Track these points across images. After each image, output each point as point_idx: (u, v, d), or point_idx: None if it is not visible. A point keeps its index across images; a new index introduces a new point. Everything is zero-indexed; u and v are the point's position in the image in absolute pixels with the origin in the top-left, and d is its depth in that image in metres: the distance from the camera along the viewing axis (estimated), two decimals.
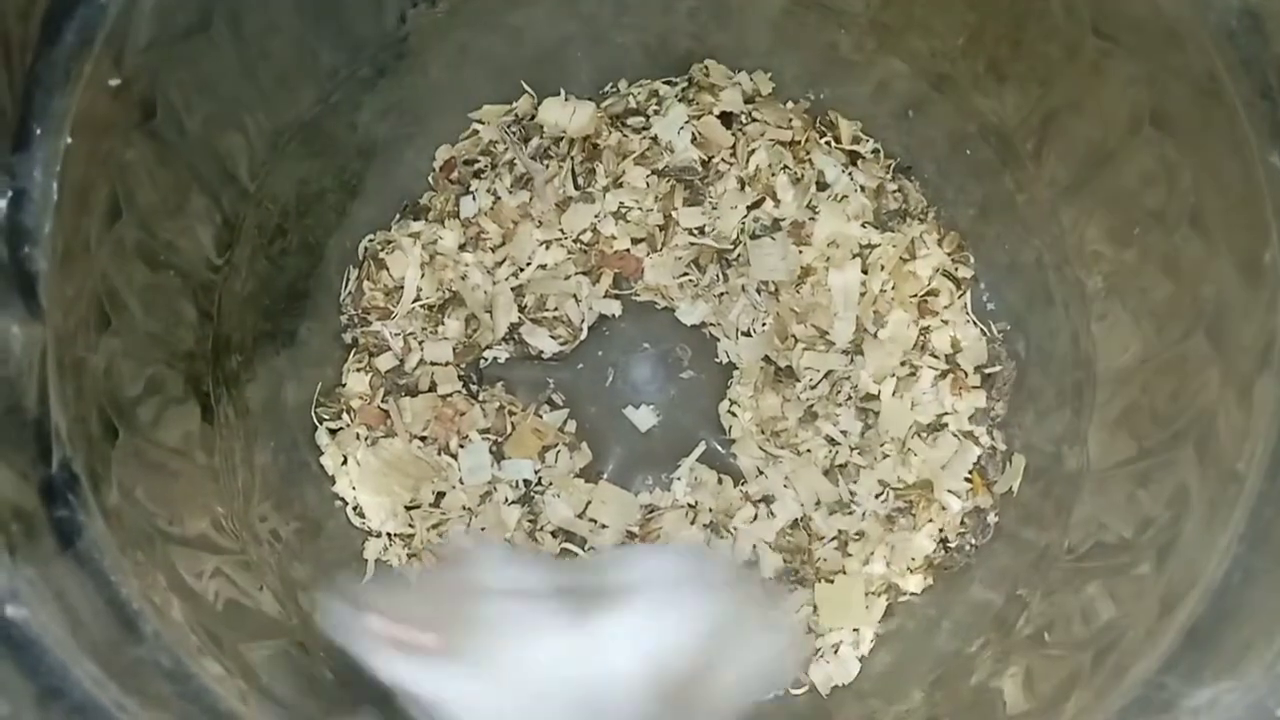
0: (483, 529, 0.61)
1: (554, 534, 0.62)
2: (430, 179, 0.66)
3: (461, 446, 0.63)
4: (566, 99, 0.66)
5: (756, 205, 0.65)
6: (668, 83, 0.67)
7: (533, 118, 0.66)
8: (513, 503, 0.62)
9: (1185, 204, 0.46)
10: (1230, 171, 0.43)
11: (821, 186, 0.66)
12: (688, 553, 0.48)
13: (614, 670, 0.43)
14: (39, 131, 0.38)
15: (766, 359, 0.63)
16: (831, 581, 0.60)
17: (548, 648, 0.43)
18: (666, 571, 0.46)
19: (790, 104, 0.67)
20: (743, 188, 0.66)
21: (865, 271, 0.64)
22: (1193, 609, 0.40)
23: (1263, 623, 0.38)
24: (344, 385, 0.63)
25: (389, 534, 0.62)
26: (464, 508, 0.62)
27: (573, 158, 0.66)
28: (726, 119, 0.66)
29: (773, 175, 0.65)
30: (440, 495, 0.62)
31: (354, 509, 0.62)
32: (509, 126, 0.66)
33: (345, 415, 0.63)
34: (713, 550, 0.59)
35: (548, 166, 0.66)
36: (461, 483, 0.62)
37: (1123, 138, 0.49)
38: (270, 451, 0.58)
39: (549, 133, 0.66)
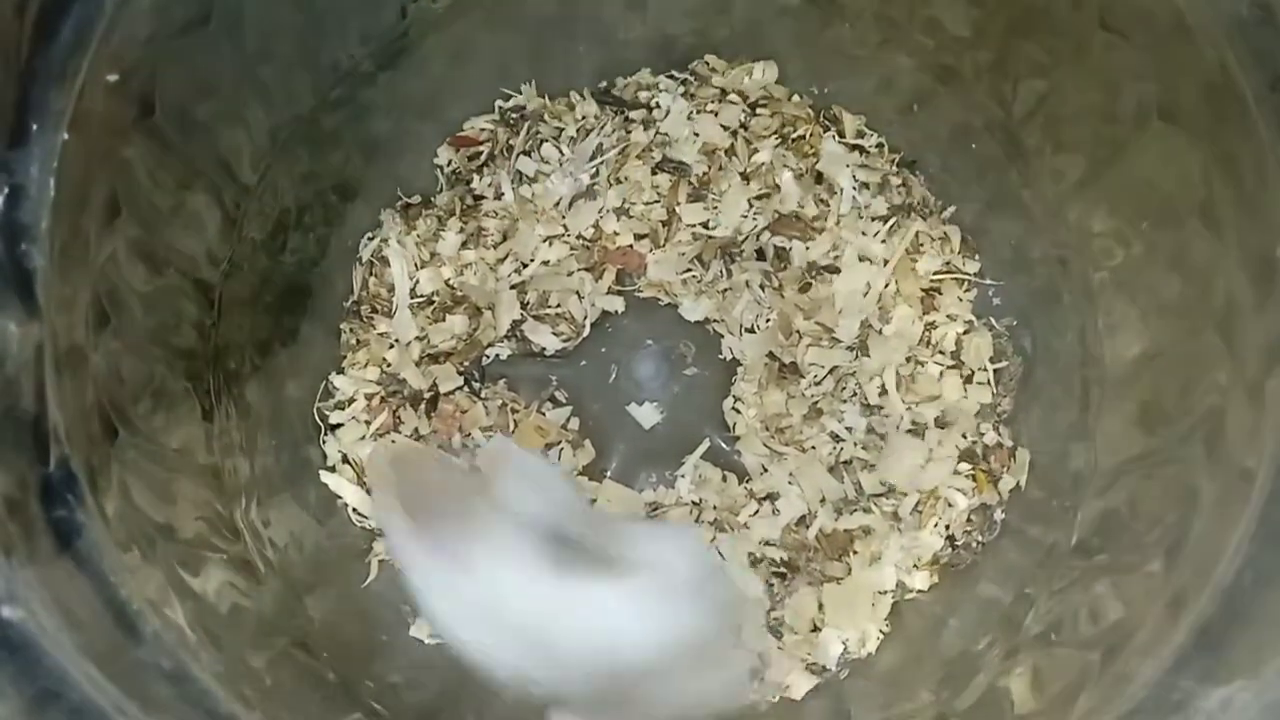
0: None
1: None
2: (433, 174, 0.66)
3: (464, 445, 0.62)
4: (571, 93, 0.65)
5: (760, 200, 0.65)
6: (670, 77, 0.66)
7: (534, 110, 0.66)
8: None
9: (1195, 198, 0.46)
10: (1240, 165, 0.42)
11: (822, 180, 0.65)
12: (694, 553, 0.49)
13: (621, 638, 0.44)
14: (36, 127, 0.38)
15: (771, 355, 0.63)
16: (838, 581, 0.60)
17: (545, 593, 0.44)
18: (673, 566, 0.46)
19: (794, 98, 0.66)
20: (746, 183, 0.65)
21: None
22: (1203, 608, 0.40)
23: (1276, 622, 0.38)
24: (346, 383, 0.63)
25: None
26: None
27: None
28: (729, 114, 0.65)
29: (776, 170, 0.65)
30: None
31: (354, 509, 0.61)
32: (511, 120, 0.66)
33: (347, 414, 0.62)
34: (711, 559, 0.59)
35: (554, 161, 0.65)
36: None
37: (1131, 131, 0.49)
38: (271, 450, 0.57)
39: (555, 128, 0.65)
